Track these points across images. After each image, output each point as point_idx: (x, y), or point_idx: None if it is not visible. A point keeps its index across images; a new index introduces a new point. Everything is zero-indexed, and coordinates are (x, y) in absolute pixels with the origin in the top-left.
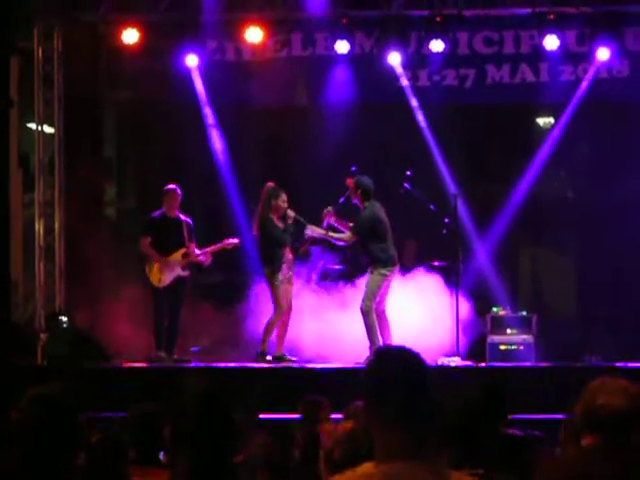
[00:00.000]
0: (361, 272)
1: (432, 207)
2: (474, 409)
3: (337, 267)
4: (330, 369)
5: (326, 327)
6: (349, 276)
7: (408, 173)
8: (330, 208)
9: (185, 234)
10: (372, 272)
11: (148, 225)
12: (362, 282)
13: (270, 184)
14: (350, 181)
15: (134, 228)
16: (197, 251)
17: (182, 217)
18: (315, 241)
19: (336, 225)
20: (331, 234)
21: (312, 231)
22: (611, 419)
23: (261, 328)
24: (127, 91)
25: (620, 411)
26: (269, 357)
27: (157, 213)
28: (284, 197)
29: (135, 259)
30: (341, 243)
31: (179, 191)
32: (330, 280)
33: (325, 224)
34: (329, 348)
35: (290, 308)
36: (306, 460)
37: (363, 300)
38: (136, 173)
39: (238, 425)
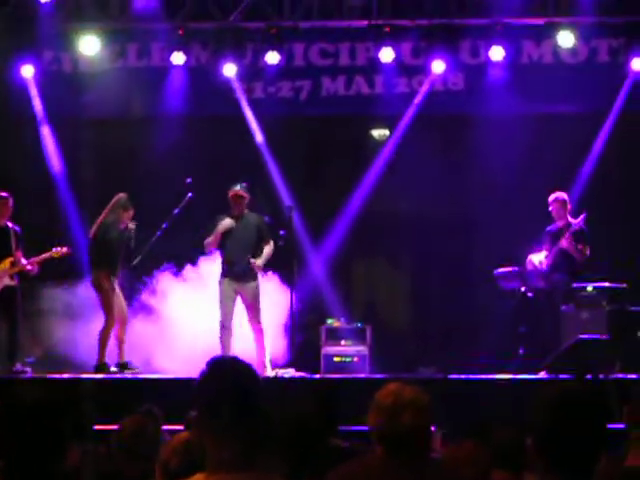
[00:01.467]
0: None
1: (266, 219)
2: (305, 420)
3: None
4: (165, 379)
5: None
6: None
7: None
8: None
9: (12, 243)
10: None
11: None
12: None
13: (123, 195)
14: (244, 193)
15: None
16: (24, 260)
17: (10, 225)
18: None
19: None
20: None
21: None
22: (402, 434)
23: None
24: None
25: (410, 427)
26: (114, 368)
27: None
28: (131, 213)
29: None
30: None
31: (11, 200)
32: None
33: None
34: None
35: (125, 316)
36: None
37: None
38: None
39: (67, 435)
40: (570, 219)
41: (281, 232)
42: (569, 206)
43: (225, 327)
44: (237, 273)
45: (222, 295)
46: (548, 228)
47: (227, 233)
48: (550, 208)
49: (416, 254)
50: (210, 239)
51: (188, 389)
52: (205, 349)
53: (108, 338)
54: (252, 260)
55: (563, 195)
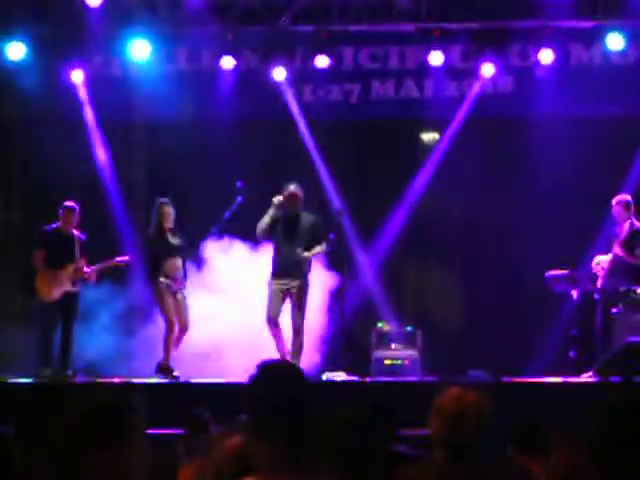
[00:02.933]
0: None
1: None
2: (361, 425)
3: None
4: (213, 384)
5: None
6: None
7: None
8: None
9: (77, 250)
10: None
11: (41, 239)
12: None
13: (161, 198)
14: (299, 192)
15: (20, 243)
16: (86, 268)
17: (75, 232)
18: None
19: None
20: (314, 252)
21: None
22: (466, 440)
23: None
24: (12, 106)
25: (471, 434)
26: (176, 373)
27: (50, 227)
28: (168, 216)
29: (22, 274)
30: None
31: (77, 210)
32: None
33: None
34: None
35: (184, 323)
36: None
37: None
38: (22, 189)
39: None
40: (635, 222)
41: (331, 236)
42: (632, 209)
43: (273, 323)
44: (287, 271)
45: (271, 294)
46: (615, 230)
47: (280, 231)
48: (613, 210)
49: (466, 257)
50: (262, 223)
51: (238, 393)
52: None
53: (170, 341)
54: (299, 251)
55: (625, 197)
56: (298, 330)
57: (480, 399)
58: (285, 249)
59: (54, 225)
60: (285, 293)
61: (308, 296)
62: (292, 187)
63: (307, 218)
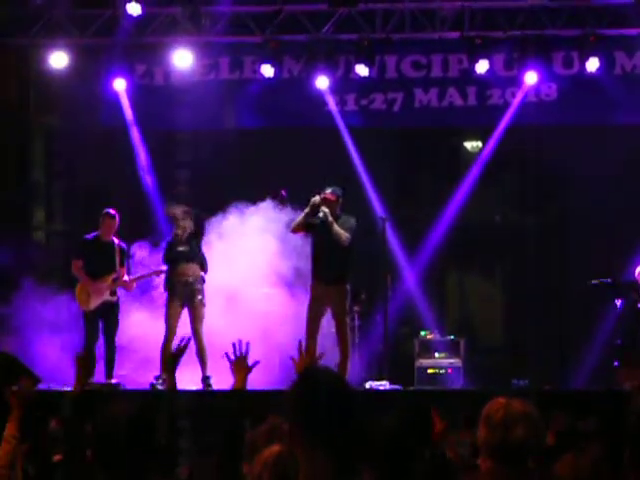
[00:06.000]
0: None
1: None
2: (403, 433)
3: None
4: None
5: None
6: None
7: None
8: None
9: (117, 259)
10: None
11: (80, 248)
12: None
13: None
14: (332, 196)
15: (63, 251)
16: (126, 277)
17: (116, 241)
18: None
19: None
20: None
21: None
22: (514, 448)
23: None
24: (55, 114)
25: (522, 440)
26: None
27: (90, 235)
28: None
29: (64, 283)
30: (340, 238)
31: (117, 218)
32: None
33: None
34: None
35: (172, 331)
36: None
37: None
38: (64, 196)
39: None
40: None
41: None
42: None
43: (310, 330)
44: (325, 276)
45: (310, 299)
46: None
47: (318, 235)
48: None
49: (510, 266)
50: (297, 219)
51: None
52: None
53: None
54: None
55: None
56: (343, 337)
57: (526, 406)
58: (324, 254)
59: (94, 234)
60: (324, 298)
61: (348, 301)
62: (327, 190)
63: (345, 221)
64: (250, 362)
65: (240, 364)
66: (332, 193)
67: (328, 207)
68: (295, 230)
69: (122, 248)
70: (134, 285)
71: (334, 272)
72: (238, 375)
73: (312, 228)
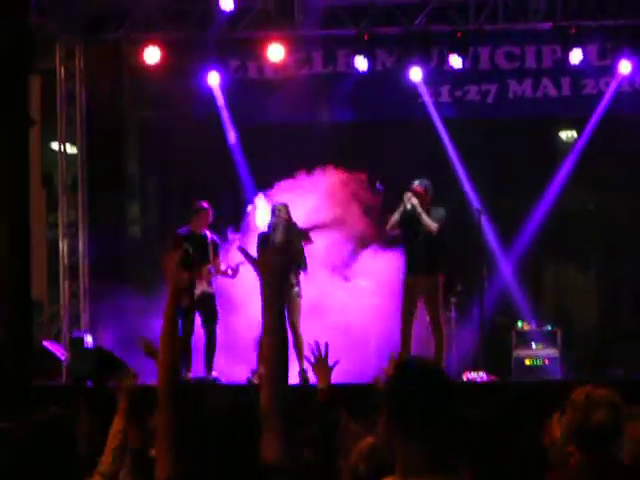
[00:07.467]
0: None
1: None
2: (500, 424)
3: None
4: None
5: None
6: None
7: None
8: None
9: (211, 251)
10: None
11: (174, 242)
12: None
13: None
14: (420, 189)
15: (158, 245)
16: (223, 266)
17: (209, 234)
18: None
19: None
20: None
21: (408, 199)
22: (602, 436)
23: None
24: (149, 109)
25: (609, 427)
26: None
27: (183, 229)
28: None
29: (160, 276)
30: (429, 228)
31: (211, 211)
32: None
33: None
34: None
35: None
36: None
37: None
38: (159, 190)
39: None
40: None
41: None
42: None
43: (405, 321)
44: (417, 267)
45: (404, 291)
46: None
47: (409, 228)
48: None
49: (605, 255)
50: (392, 218)
51: (373, 393)
52: None
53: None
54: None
55: None
56: (437, 327)
57: (610, 393)
58: (413, 244)
59: (186, 227)
60: (416, 288)
61: (441, 292)
62: (415, 183)
63: (435, 213)
64: (330, 362)
65: (321, 366)
66: (420, 185)
67: (420, 200)
68: (391, 229)
69: (215, 241)
70: (237, 272)
71: (424, 263)
72: (320, 377)
73: (402, 221)
